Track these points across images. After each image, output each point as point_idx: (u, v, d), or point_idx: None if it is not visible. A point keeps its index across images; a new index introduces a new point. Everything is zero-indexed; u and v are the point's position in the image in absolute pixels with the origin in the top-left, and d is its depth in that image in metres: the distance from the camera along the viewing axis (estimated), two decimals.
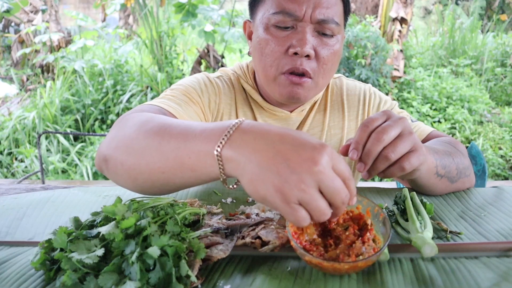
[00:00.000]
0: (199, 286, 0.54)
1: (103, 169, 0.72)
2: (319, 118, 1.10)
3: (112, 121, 4.96)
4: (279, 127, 0.55)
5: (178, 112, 0.89)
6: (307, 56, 0.90)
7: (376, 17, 6.24)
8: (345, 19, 0.99)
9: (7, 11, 6.87)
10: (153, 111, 0.81)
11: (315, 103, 1.10)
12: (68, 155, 4.47)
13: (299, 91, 0.94)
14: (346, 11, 0.97)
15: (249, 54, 1.03)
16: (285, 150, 0.51)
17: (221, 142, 0.54)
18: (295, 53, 0.90)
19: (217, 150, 0.55)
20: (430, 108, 5.12)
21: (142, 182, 0.65)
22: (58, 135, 4.49)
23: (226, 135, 0.55)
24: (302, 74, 0.92)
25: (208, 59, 5.53)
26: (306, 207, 0.51)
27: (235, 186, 0.61)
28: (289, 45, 0.91)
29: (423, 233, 0.61)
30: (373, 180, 3.76)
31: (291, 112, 1.06)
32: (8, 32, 8.32)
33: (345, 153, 0.68)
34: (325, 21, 0.89)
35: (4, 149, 4.54)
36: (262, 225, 0.65)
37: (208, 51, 5.53)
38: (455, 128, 4.85)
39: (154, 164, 0.62)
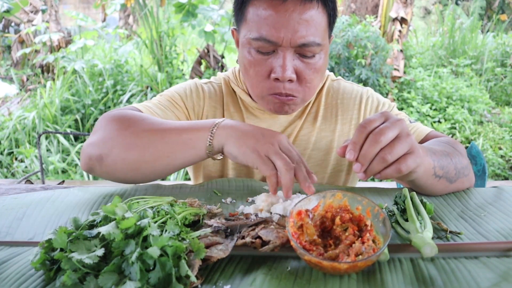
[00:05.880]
0: (199, 286, 0.54)
1: (95, 168, 0.86)
2: (310, 120, 1.12)
3: None
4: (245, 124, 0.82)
5: (158, 115, 0.99)
6: (290, 80, 0.92)
7: (376, 17, 6.24)
8: (331, 28, 0.98)
9: (7, 11, 6.88)
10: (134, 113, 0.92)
11: (306, 106, 1.11)
12: (68, 155, 4.47)
13: (286, 108, 0.98)
14: (331, 21, 0.96)
15: (237, 61, 1.04)
16: (255, 131, 0.79)
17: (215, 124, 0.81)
18: (277, 78, 0.92)
19: (214, 124, 0.81)
20: (430, 108, 5.12)
21: (143, 170, 0.83)
22: (58, 135, 4.49)
23: (216, 124, 0.81)
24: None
25: (208, 59, 5.53)
26: (272, 158, 0.74)
27: (220, 157, 0.86)
28: (270, 70, 0.93)
29: (423, 233, 0.61)
30: (373, 180, 3.76)
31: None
32: (8, 32, 8.33)
33: (342, 153, 0.68)
34: (305, 44, 0.89)
35: (4, 149, 4.54)
36: (262, 225, 0.65)
37: (208, 51, 5.53)
38: (455, 128, 4.85)
39: (159, 152, 0.81)
